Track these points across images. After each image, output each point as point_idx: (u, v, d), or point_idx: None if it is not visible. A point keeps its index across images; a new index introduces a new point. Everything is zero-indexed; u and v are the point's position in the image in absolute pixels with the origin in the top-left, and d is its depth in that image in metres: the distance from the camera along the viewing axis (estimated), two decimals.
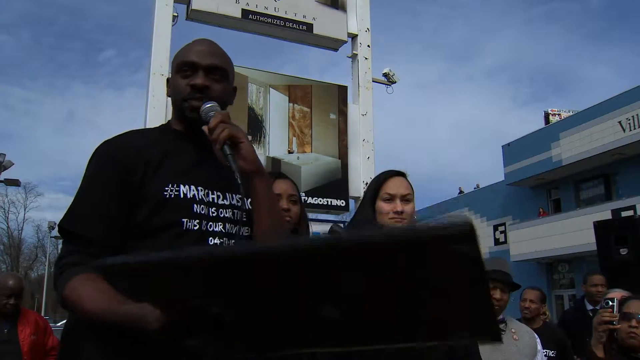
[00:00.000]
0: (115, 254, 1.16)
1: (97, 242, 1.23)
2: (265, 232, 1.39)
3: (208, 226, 1.35)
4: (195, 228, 1.32)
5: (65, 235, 1.28)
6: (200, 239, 1.32)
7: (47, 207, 53.00)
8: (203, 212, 1.34)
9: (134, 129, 1.47)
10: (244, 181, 1.32)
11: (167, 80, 1.48)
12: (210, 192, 1.37)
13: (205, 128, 1.37)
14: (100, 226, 1.24)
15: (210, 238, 1.34)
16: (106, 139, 1.38)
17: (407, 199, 1.98)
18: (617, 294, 2.60)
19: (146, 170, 1.30)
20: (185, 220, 1.30)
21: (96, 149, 1.36)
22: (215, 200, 1.38)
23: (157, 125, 1.50)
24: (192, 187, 1.34)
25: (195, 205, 1.33)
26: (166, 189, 1.29)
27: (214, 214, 1.37)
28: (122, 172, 1.28)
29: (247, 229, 1.40)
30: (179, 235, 1.29)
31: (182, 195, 1.31)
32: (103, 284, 1.14)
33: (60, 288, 1.20)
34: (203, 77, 1.40)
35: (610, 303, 2.52)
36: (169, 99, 1.49)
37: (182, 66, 1.41)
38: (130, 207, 1.26)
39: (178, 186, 1.31)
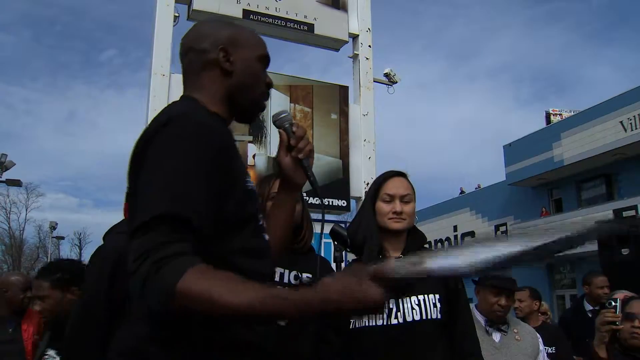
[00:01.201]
0: (207, 245, 1.04)
1: (199, 231, 1.03)
2: (276, 245, 1.39)
3: (263, 221, 1.33)
4: (260, 223, 1.29)
5: (158, 222, 1.00)
6: (263, 234, 1.30)
7: (48, 208, 53.10)
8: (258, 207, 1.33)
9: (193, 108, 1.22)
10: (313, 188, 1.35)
11: (225, 50, 1.27)
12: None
13: (281, 132, 1.37)
14: (205, 214, 1.05)
15: (265, 234, 1.32)
16: (187, 114, 1.14)
17: (406, 199, 1.98)
18: (620, 295, 2.60)
19: (233, 158, 1.18)
20: (259, 214, 1.27)
21: (183, 125, 1.10)
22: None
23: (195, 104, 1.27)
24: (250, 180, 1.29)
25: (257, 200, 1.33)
26: (247, 179, 1.22)
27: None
28: (217, 157, 1.12)
29: None
30: (257, 229, 1.24)
31: (254, 188, 1.27)
32: (231, 274, 0.97)
33: (168, 283, 0.93)
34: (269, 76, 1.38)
35: (614, 303, 2.52)
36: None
37: (263, 58, 1.35)
38: (222, 195, 1.11)
39: (249, 178, 1.25)
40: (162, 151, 1.07)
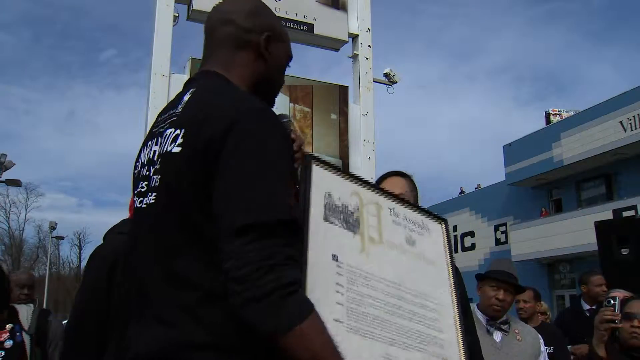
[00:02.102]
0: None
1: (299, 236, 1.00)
2: None
3: None
4: None
5: (279, 225, 0.95)
6: None
7: (48, 208, 53.10)
8: None
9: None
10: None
11: (269, 38, 1.23)
12: None
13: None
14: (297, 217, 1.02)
15: None
16: (266, 109, 1.08)
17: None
18: (619, 294, 2.60)
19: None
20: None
21: (266, 117, 1.06)
22: None
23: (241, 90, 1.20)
24: None
25: None
26: None
27: None
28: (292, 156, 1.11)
29: None
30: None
31: None
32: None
33: (294, 316, 0.90)
34: None
35: (612, 302, 2.52)
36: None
37: (290, 60, 1.33)
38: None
39: None
40: (260, 147, 1.00)
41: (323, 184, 1.22)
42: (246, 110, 1.04)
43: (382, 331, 1.18)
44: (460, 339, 1.36)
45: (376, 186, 1.48)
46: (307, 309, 0.92)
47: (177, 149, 1.06)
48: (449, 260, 1.52)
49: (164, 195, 1.09)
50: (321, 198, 1.21)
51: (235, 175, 0.98)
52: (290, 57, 1.32)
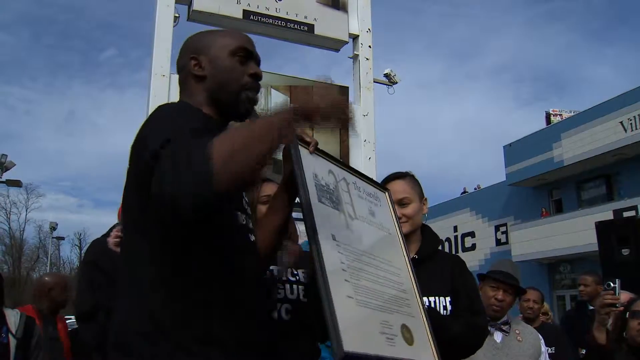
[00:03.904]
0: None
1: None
2: (267, 248, 1.41)
3: (248, 222, 1.34)
4: (244, 223, 1.31)
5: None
6: (247, 234, 1.32)
7: (48, 208, 53.03)
8: (245, 208, 1.35)
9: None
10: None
11: (195, 58, 1.36)
12: None
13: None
14: None
15: (249, 234, 1.34)
16: (169, 103, 1.33)
17: (404, 202, 1.98)
18: (624, 295, 2.61)
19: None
20: (239, 213, 1.30)
21: (167, 104, 1.30)
22: (244, 197, 1.39)
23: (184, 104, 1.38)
24: None
25: (243, 200, 1.35)
26: None
27: (247, 210, 1.37)
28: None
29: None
30: (235, 228, 1.28)
31: None
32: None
33: (207, 168, 0.99)
34: (258, 67, 1.38)
35: (612, 285, 2.51)
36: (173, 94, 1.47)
37: (238, 51, 1.36)
38: None
39: None
40: (151, 121, 1.20)
41: (309, 165, 1.28)
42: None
43: (376, 300, 1.28)
44: (417, 295, 1.48)
45: (337, 159, 1.54)
46: (205, 144, 1.02)
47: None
48: (397, 226, 1.64)
49: (124, 197, 1.27)
50: (311, 180, 1.27)
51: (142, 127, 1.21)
52: (234, 49, 1.36)
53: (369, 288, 1.28)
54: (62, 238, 34.01)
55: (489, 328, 2.65)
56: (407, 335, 1.31)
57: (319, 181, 1.30)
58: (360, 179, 1.58)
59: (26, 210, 36.40)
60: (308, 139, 1.33)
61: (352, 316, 1.15)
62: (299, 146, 1.28)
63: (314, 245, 1.16)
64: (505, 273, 2.67)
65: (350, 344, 1.08)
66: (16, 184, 18.51)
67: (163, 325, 1.12)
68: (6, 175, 17.67)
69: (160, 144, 1.06)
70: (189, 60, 1.37)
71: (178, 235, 1.14)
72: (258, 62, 1.40)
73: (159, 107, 1.26)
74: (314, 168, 1.29)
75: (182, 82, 1.41)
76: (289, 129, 1.10)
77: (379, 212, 1.56)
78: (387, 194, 1.70)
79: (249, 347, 1.20)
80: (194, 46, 1.39)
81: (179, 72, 1.43)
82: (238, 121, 1.36)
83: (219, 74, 1.34)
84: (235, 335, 1.18)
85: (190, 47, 1.41)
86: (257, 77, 1.36)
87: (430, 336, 1.41)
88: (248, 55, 1.37)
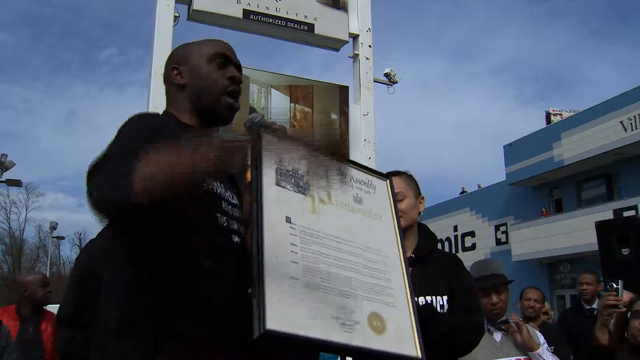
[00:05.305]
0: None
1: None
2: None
3: (230, 224, 1.36)
4: (225, 225, 1.33)
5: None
6: (228, 235, 1.34)
7: (48, 208, 53.07)
8: (227, 210, 1.36)
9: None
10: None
11: (176, 67, 1.43)
12: (227, 190, 1.39)
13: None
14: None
15: (234, 236, 1.36)
16: (139, 113, 1.32)
17: (398, 198, 1.98)
18: (627, 295, 2.61)
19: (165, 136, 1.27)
20: (218, 215, 1.32)
21: (130, 118, 1.29)
22: (231, 199, 1.39)
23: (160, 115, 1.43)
24: (219, 184, 1.35)
25: (223, 202, 1.35)
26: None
27: (232, 212, 1.38)
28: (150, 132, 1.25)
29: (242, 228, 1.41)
30: (214, 229, 1.30)
31: (217, 191, 1.33)
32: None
33: (127, 183, 1.04)
34: (237, 71, 1.42)
35: (615, 286, 2.51)
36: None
37: (216, 57, 1.40)
38: None
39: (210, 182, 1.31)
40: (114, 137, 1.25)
41: (274, 151, 1.29)
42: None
43: (337, 285, 1.26)
44: (406, 285, 1.45)
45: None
46: (130, 170, 1.06)
47: None
48: (394, 214, 1.61)
49: None
50: (272, 164, 1.29)
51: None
52: (211, 55, 1.40)
53: (329, 272, 1.26)
54: (62, 237, 34.04)
55: (489, 327, 2.65)
56: (376, 323, 1.29)
57: (283, 165, 1.32)
58: (353, 167, 1.58)
59: (26, 210, 36.46)
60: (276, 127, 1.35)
61: (290, 297, 1.13)
62: (264, 134, 1.27)
63: (256, 222, 1.19)
64: (487, 276, 2.67)
65: (274, 322, 1.07)
66: (16, 183, 18.52)
67: (135, 324, 1.18)
68: (6, 175, 17.69)
69: (97, 161, 1.16)
70: (171, 71, 1.44)
71: (147, 239, 1.19)
72: (238, 68, 1.44)
73: (124, 122, 1.30)
74: (280, 154, 1.30)
75: (167, 93, 1.47)
76: (237, 154, 1.13)
77: (369, 199, 1.54)
78: (387, 182, 1.68)
79: (221, 346, 1.24)
80: (176, 57, 1.47)
81: (164, 83, 1.49)
82: (221, 126, 1.42)
83: (198, 80, 1.39)
84: (203, 332, 1.22)
85: (172, 58, 1.48)
86: (235, 80, 1.41)
87: (414, 329, 1.37)
88: (227, 60, 1.42)
